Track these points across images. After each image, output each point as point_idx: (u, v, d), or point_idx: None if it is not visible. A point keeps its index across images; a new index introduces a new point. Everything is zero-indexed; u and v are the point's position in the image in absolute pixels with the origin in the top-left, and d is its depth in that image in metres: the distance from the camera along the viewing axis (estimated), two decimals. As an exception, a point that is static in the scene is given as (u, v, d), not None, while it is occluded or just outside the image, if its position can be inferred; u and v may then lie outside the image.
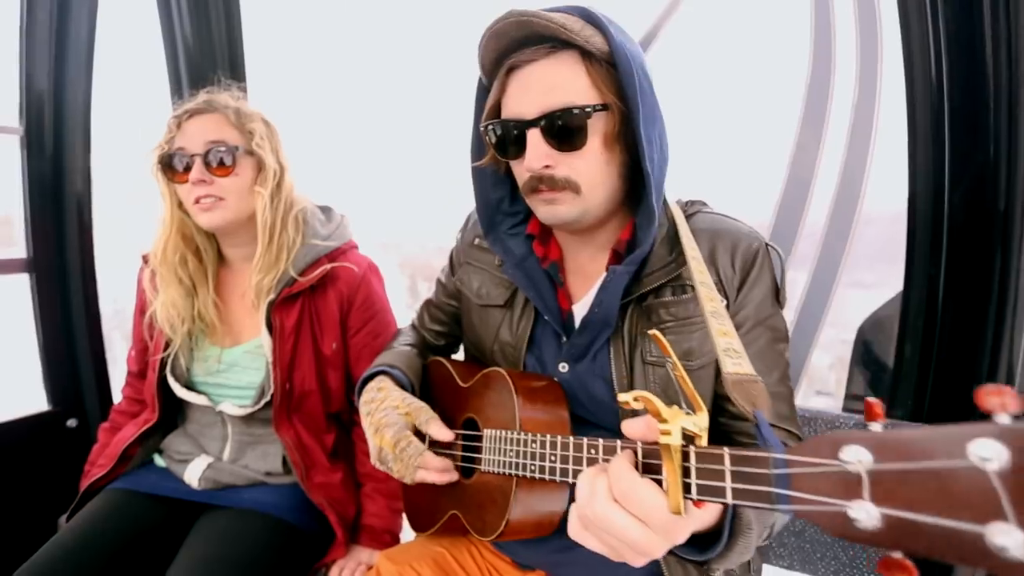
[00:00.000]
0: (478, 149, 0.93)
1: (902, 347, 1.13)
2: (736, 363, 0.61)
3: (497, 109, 0.86)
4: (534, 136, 0.81)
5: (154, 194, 1.25)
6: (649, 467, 0.55)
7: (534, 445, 0.75)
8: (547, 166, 0.81)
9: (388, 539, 1.32)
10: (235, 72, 1.76)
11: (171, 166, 1.19)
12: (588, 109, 0.79)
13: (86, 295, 1.72)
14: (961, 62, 1.00)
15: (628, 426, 0.58)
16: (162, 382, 1.30)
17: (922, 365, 1.10)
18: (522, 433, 0.78)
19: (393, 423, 0.91)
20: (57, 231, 1.68)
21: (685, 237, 0.85)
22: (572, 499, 0.60)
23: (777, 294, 0.88)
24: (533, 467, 0.74)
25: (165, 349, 1.27)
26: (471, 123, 0.92)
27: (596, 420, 0.90)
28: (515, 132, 0.82)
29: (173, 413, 1.37)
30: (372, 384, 1.01)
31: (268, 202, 1.21)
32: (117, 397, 1.48)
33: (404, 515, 1.13)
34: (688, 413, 0.52)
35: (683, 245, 0.84)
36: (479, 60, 0.86)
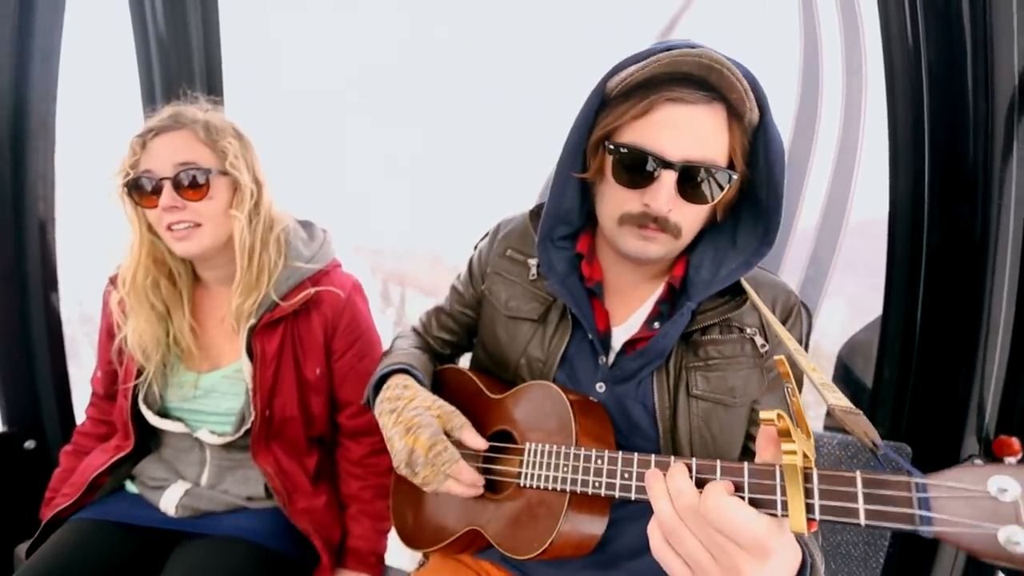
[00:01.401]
0: (575, 157, 0.90)
1: (880, 369, 1.18)
2: (837, 397, 0.63)
3: (613, 131, 0.85)
4: (668, 179, 0.81)
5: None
6: (760, 488, 0.57)
7: (600, 462, 0.75)
8: (669, 210, 0.83)
9: (373, 561, 1.30)
10: (211, 72, 1.68)
11: (138, 189, 1.12)
12: (730, 174, 0.82)
13: (47, 305, 1.62)
14: (942, 88, 1.03)
15: (762, 441, 0.60)
16: (134, 408, 1.24)
17: (899, 387, 1.14)
18: (583, 448, 0.77)
19: (428, 424, 0.89)
20: (16, 237, 1.58)
21: (745, 284, 0.90)
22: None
23: (806, 342, 0.94)
24: (599, 483, 0.74)
25: (137, 376, 1.21)
26: (571, 124, 0.89)
27: (627, 443, 0.91)
28: (650, 167, 0.81)
29: (146, 438, 1.31)
30: (395, 381, 0.98)
31: (246, 224, 1.16)
32: (80, 417, 1.41)
33: (394, 534, 1.11)
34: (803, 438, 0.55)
35: (748, 293, 0.89)
36: (624, 71, 0.83)
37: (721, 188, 0.82)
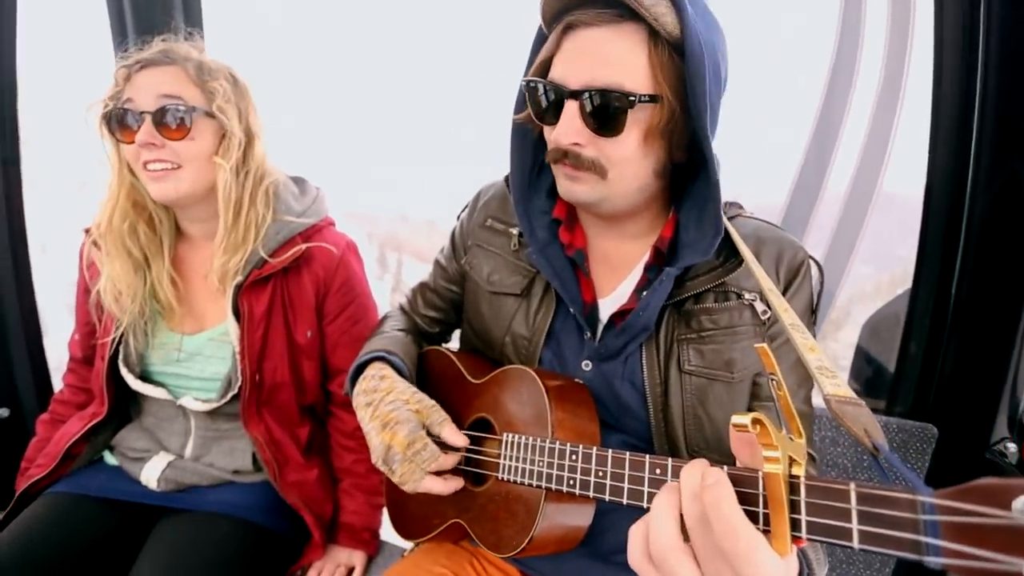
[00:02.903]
0: (521, 102, 0.83)
1: (906, 345, 1.11)
2: (835, 383, 0.54)
3: (547, 66, 0.78)
4: (571, 109, 0.73)
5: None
6: (742, 497, 0.47)
7: (574, 458, 0.67)
8: (576, 144, 0.74)
9: (367, 537, 1.24)
10: (190, 15, 1.54)
11: (118, 123, 1.03)
12: (633, 98, 0.71)
13: (17, 264, 1.51)
14: (1003, 51, 0.94)
15: (737, 447, 0.50)
16: (113, 370, 1.16)
17: (926, 363, 1.08)
18: (557, 442, 0.70)
19: (406, 420, 0.82)
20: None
21: (740, 244, 0.80)
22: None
23: (813, 309, 0.85)
24: (572, 481, 0.67)
25: (114, 331, 1.12)
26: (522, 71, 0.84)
27: (618, 424, 0.84)
28: (554, 97, 0.75)
29: (125, 405, 1.23)
30: (372, 371, 0.91)
31: (231, 176, 1.07)
32: (58, 384, 1.33)
33: (387, 514, 1.05)
34: (790, 439, 0.46)
35: (742, 253, 0.79)
36: (540, 6, 0.77)
37: (624, 119, 0.72)
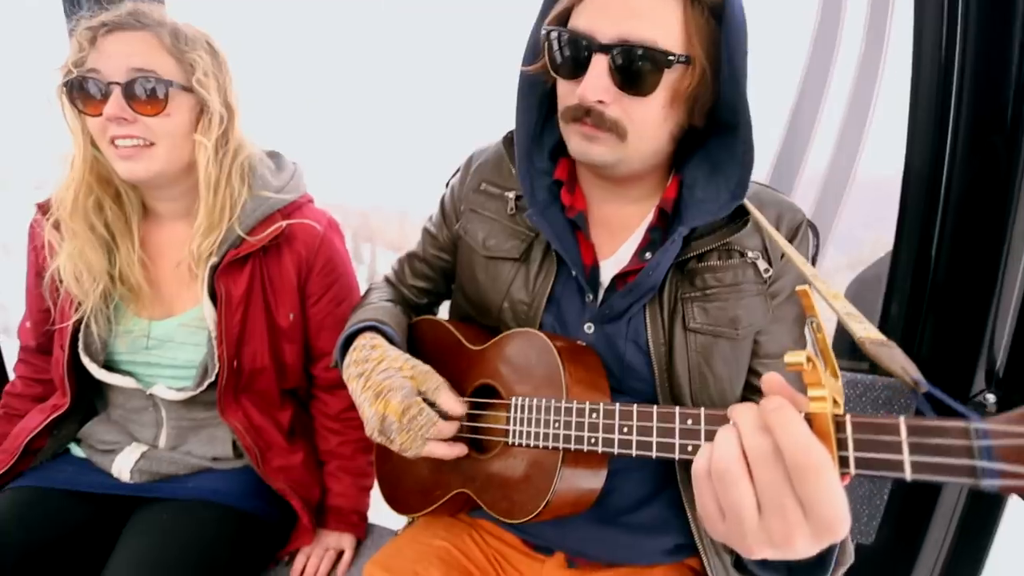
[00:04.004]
0: (532, 53, 0.79)
1: (888, 306, 1.14)
2: (864, 327, 0.54)
3: (566, 16, 0.74)
4: (599, 64, 0.70)
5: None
6: None
7: (594, 416, 0.66)
8: (601, 101, 0.72)
9: (356, 520, 1.21)
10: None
11: (81, 92, 0.94)
12: (672, 57, 0.69)
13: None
14: (981, 24, 0.96)
15: (773, 383, 0.50)
16: (75, 359, 1.08)
17: (908, 323, 1.11)
18: (574, 402, 0.69)
19: (399, 386, 0.79)
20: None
21: (749, 204, 0.80)
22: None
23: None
24: (594, 440, 0.66)
25: (73, 316, 1.04)
26: (533, 20, 0.81)
27: (622, 387, 0.83)
28: (580, 51, 0.71)
29: (90, 396, 1.15)
30: (363, 341, 0.87)
31: (212, 155, 1.00)
32: (11, 375, 1.23)
33: (380, 494, 1.02)
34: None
35: (752, 214, 0.79)
36: None
37: (657, 78, 0.70)
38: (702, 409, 0.56)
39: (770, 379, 0.50)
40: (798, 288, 0.50)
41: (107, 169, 1.02)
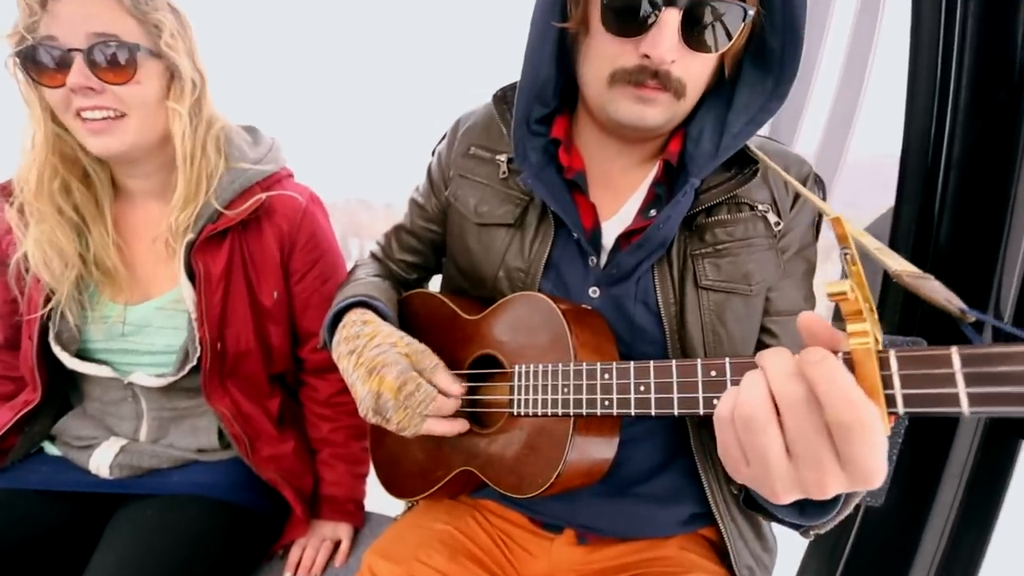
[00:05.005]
0: (553, 8, 0.73)
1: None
2: (900, 261, 0.51)
3: None
4: (671, 20, 0.65)
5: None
6: None
7: (607, 376, 0.62)
8: (672, 61, 0.67)
9: (352, 508, 1.16)
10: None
11: (35, 62, 0.86)
12: (752, 11, 0.67)
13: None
14: None
15: (809, 323, 0.47)
16: (44, 351, 1.01)
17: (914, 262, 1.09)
18: (584, 363, 0.65)
19: (394, 362, 0.74)
20: None
21: (757, 153, 0.77)
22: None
23: (817, 224, 0.83)
24: (608, 402, 0.61)
25: (44, 305, 0.98)
26: None
27: (630, 351, 0.80)
28: (645, 5, 0.66)
29: (63, 389, 1.08)
30: (353, 316, 0.82)
31: (188, 124, 0.93)
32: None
33: (376, 479, 0.98)
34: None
35: (761, 161, 0.76)
36: None
37: (731, 33, 0.68)
38: (727, 359, 0.52)
39: (805, 317, 0.47)
40: (831, 216, 0.46)
41: (72, 147, 0.95)
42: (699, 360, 0.54)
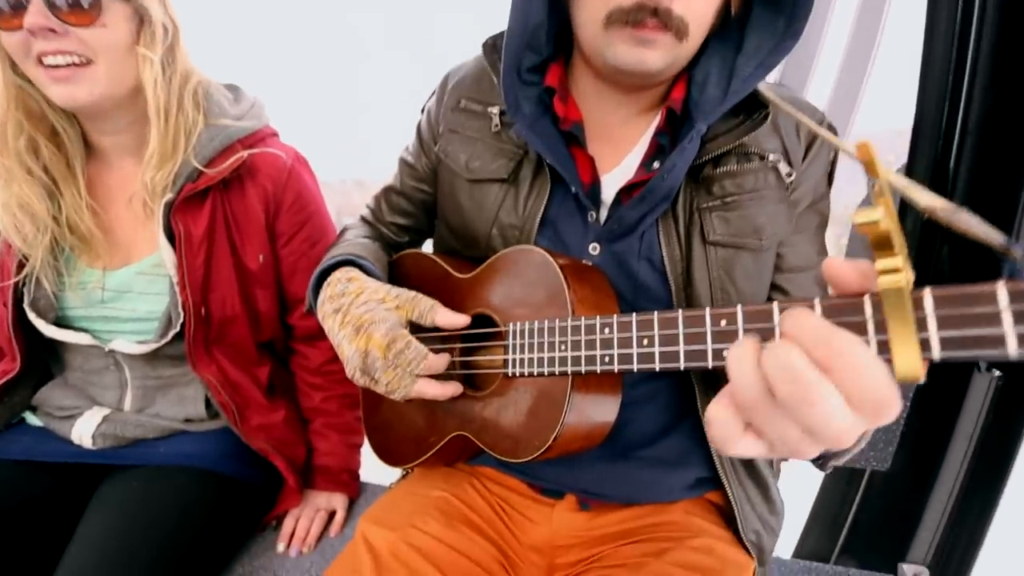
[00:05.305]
0: None
1: (903, 217, 1.09)
2: (930, 196, 0.47)
3: None
4: None
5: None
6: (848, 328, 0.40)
7: (607, 331, 0.57)
8: None
9: (347, 479, 1.14)
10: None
11: None
12: None
13: None
14: None
15: (833, 266, 0.41)
16: (21, 318, 0.97)
17: (923, 245, 1.05)
18: (582, 319, 0.60)
19: (383, 319, 0.70)
20: None
21: (768, 94, 0.71)
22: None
23: (830, 175, 0.78)
24: (608, 358, 0.57)
25: (18, 271, 0.93)
26: None
27: (631, 310, 0.75)
28: None
29: (43, 358, 1.04)
30: (338, 275, 0.78)
31: (160, 74, 0.88)
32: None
33: (368, 447, 0.94)
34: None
35: (773, 103, 0.70)
36: None
37: None
38: (739, 306, 0.48)
39: (829, 264, 0.42)
40: (859, 142, 0.42)
41: (37, 101, 0.90)
42: (707, 309, 0.50)
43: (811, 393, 0.36)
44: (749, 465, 0.79)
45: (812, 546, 1.25)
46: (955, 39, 1.00)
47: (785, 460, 0.66)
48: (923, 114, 1.05)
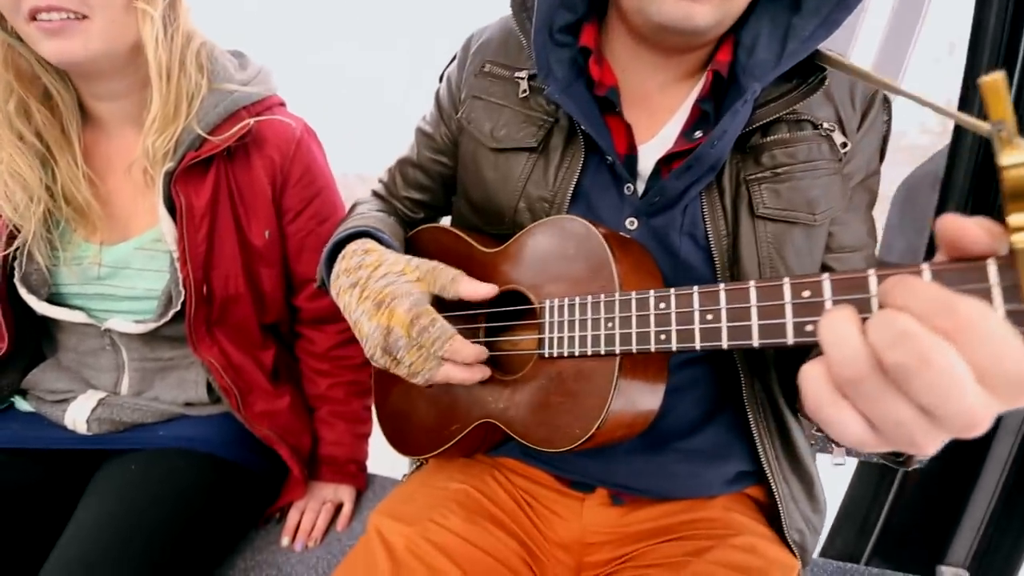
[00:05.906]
0: None
1: (943, 206, 1.03)
2: (1014, 155, 0.40)
3: None
4: None
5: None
6: None
7: (663, 306, 0.52)
8: None
9: (354, 470, 1.08)
10: None
11: None
12: None
13: None
14: None
15: (953, 224, 0.34)
16: (11, 294, 0.91)
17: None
18: (632, 293, 0.54)
19: (406, 293, 0.64)
20: None
21: (829, 53, 0.64)
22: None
23: (882, 150, 0.73)
24: (664, 335, 0.51)
25: (9, 244, 0.87)
26: None
27: None
28: None
29: (34, 338, 0.98)
30: (353, 247, 0.72)
31: (161, 31, 0.81)
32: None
33: (379, 434, 0.88)
34: None
35: (832, 62, 0.63)
36: None
37: None
38: (826, 275, 0.42)
39: (947, 220, 0.35)
40: (982, 80, 0.36)
41: (28, 61, 0.83)
42: (786, 279, 0.44)
43: (931, 354, 0.30)
44: (794, 459, 0.73)
45: (841, 546, 1.19)
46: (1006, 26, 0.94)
47: (899, 460, 0.59)
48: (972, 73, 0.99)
